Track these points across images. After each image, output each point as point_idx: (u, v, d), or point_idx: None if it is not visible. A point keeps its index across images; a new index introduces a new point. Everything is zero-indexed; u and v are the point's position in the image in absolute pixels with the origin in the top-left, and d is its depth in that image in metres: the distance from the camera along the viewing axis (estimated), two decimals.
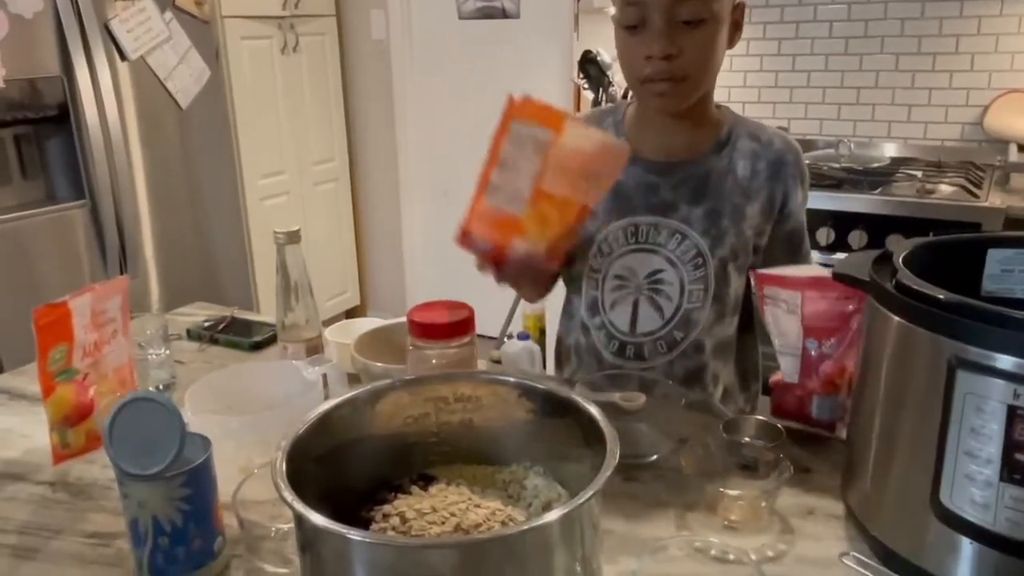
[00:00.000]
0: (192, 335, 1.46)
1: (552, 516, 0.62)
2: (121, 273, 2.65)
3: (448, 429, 0.83)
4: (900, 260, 0.81)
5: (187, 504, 0.79)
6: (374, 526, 0.74)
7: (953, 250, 0.91)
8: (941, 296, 0.72)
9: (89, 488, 0.99)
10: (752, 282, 1.06)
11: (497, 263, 1.01)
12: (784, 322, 1.01)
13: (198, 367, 1.34)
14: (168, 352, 1.26)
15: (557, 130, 0.93)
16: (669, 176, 1.19)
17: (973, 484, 0.72)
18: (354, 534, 0.59)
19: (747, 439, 0.98)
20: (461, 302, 0.99)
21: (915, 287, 0.75)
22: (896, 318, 0.77)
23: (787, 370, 1.03)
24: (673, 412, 1.02)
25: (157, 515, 0.79)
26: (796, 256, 1.26)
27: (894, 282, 0.79)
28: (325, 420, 0.75)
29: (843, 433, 0.98)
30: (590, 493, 0.63)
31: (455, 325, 0.95)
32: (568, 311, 1.33)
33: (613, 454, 0.67)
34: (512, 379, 0.83)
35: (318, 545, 0.64)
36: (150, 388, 1.22)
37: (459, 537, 0.69)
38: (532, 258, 0.96)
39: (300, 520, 0.64)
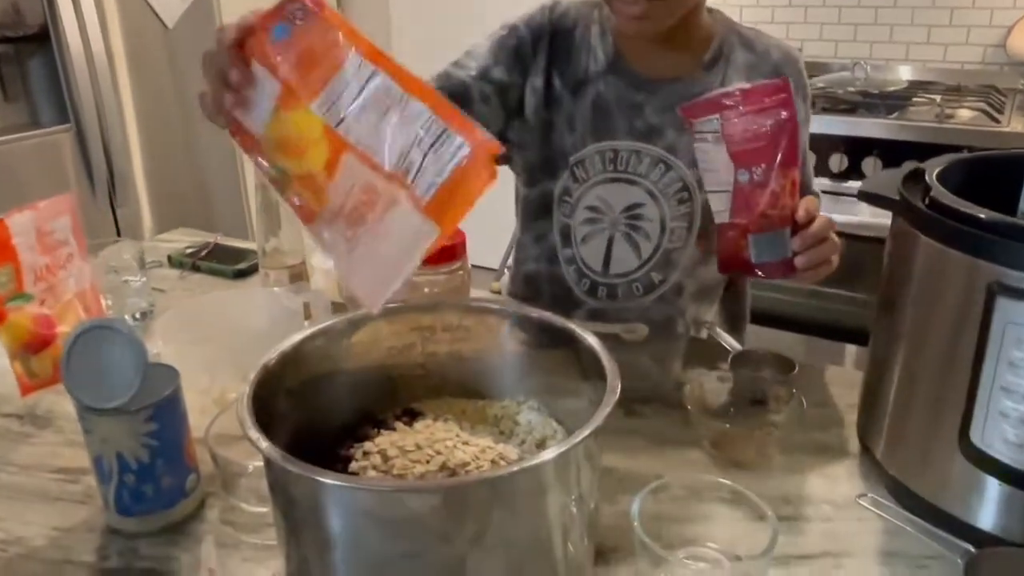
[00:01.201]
0: (174, 262, 1.39)
1: (547, 455, 0.57)
2: (111, 200, 2.57)
3: (435, 361, 0.78)
4: (934, 177, 0.73)
5: (154, 440, 0.74)
6: (353, 464, 0.69)
7: (989, 168, 0.83)
8: (982, 215, 0.65)
9: (58, 421, 0.94)
10: (682, 120, 0.93)
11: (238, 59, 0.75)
12: (712, 154, 0.90)
13: (178, 295, 1.27)
14: (145, 279, 1.20)
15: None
16: (655, 97, 1.07)
17: (1007, 422, 0.66)
18: (323, 476, 0.53)
19: (757, 372, 0.92)
20: None
21: (952, 205, 0.68)
22: (928, 240, 0.70)
23: (717, 208, 0.91)
24: (678, 344, 0.96)
25: (122, 451, 0.73)
26: None
27: (927, 201, 0.72)
28: (297, 351, 0.69)
29: (802, 276, 0.89)
30: (588, 431, 0.57)
31: (443, 250, 0.89)
32: (534, 235, 1.19)
33: (614, 389, 0.61)
34: (504, 308, 0.77)
35: (288, 487, 0.59)
36: (126, 316, 1.16)
37: (441, 480, 0.63)
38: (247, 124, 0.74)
39: (268, 460, 0.58)
